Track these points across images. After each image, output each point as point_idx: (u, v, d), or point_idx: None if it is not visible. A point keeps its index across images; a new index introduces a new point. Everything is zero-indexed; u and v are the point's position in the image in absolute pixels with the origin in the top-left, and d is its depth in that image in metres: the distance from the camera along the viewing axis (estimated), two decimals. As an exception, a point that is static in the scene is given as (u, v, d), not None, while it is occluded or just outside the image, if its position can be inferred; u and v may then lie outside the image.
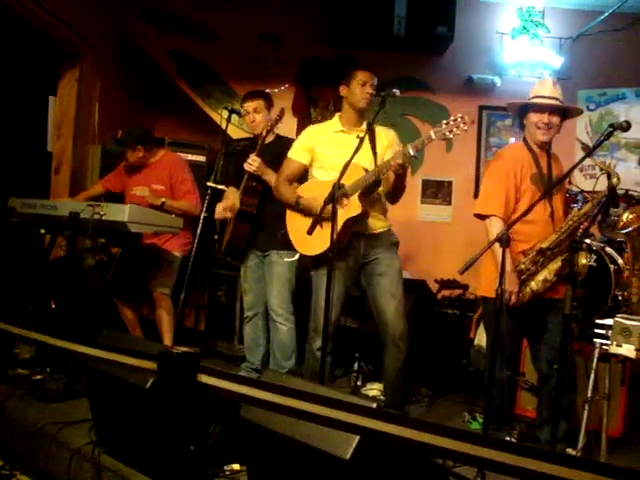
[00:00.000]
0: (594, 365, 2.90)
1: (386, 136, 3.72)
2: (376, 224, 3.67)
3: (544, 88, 3.47)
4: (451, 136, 3.26)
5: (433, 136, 3.25)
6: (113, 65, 5.77)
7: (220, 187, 4.14)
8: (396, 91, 3.53)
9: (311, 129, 3.85)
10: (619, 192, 4.40)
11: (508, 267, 3.10)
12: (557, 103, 3.40)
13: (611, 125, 3.04)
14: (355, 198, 3.48)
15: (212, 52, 5.96)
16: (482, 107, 6.06)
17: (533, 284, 3.21)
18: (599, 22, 5.71)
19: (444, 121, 3.26)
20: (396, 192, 3.63)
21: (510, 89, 5.98)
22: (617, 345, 2.69)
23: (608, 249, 4.28)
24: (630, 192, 4.49)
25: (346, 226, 3.51)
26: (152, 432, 2.35)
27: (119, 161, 4.86)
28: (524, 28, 5.84)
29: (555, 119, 3.39)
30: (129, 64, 6.00)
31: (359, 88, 3.66)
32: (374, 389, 4.45)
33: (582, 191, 4.30)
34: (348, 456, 2.05)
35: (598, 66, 5.78)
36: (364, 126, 3.64)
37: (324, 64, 5.99)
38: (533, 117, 3.41)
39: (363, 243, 3.65)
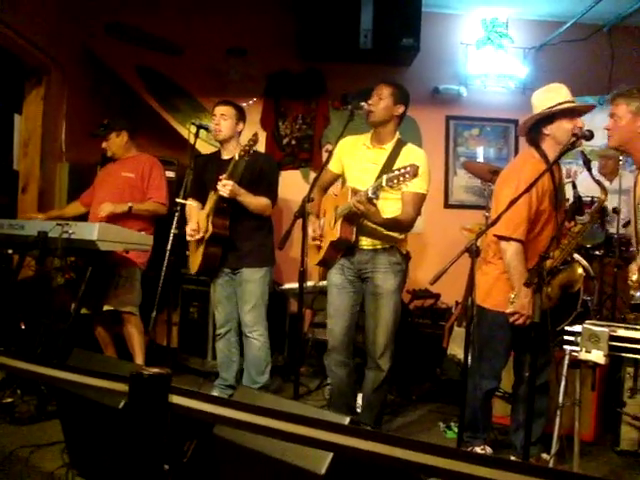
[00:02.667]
0: (564, 371, 2.93)
1: (409, 158, 3.48)
2: (373, 242, 3.60)
3: (563, 93, 3.34)
4: (401, 186, 3.17)
5: (384, 183, 3.17)
6: (80, 81, 5.73)
7: (189, 203, 4.12)
8: (364, 104, 3.56)
9: (345, 139, 3.72)
10: (585, 200, 4.48)
11: (524, 292, 3.10)
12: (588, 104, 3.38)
13: (575, 135, 3.08)
14: (338, 223, 3.50)
15: (179, 67, 5.96)
16: (449, 117, 6.14)
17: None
18: (561, 32, 5.84)
19: (397, 169, 3.16)
20: (386, 228, 3.54)
21: (476, 99, 6.09)
22: (586, 351, 2.71)
23: (576, 255, 4.34)
24: (596, 199, 4.55)
25: (330, 248, 3.58)
26: (125, 453, 2.33)
27: (88, 178, 4.82)
28: (488, 39, 5.96)
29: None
30: (96, 80, 5.97)
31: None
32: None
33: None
34: (323, 471, 2.06)
35: (562, 75, 5.78)
36: (390, 143, 3.62)
37: (293, 77, 6.03)
38: (567, 124, 3.26)
39: (357, 256, 3.63)
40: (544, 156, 3.28)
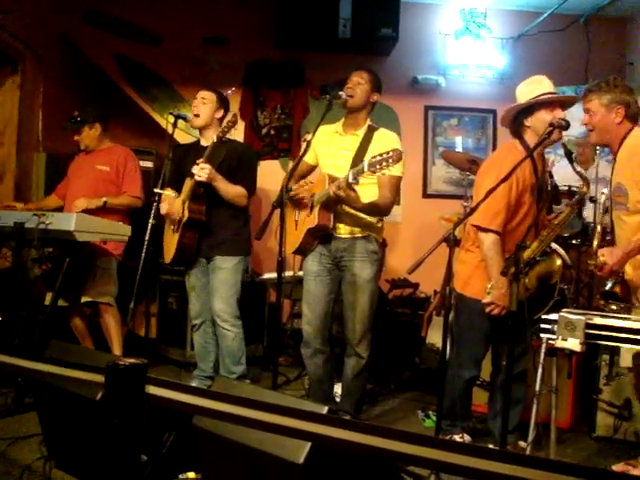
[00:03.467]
0: (541, 359, 2.96)
1: (383, 142, 3.51)
2: (350, 229, 3.62)
3: (545, 84, 3.36)
4: (383, 171, 3.16)
5: (365, 168, 3.17)
6: (57, 70, 5.66)
7: (168, 193, 4.09)
8: (342, 93, 3.56)
9: (320, 128, 3.64)
10: (562, 188, 4.52)
11: (502, 282, 3.16)
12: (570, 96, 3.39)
13: (551, 124, 3.10)
14: (315, 210, 3.50)
15: (157, 56, 5.91)
16: (428, 107, 6.16)
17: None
18: (539, 23, 5.86)
19: (379, 155, 3.15)
20: (365, 212, 3.56)
21: (454, 89, 6.11)
22: (563, 339, 2.74)
23: (553, 245, 4.37)
24: (573, 188, 4.60)
25: (308, 235, 3.58)
26: (103, 444, 2.32)
27: (65, 168, 4.76)
28: (467, 29, 5.97)
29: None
30: (74, 69, 5.89)
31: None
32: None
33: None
34: (301, 460, 2.07)
35: (539, 65, 5.84)
36: (362, 129, 3.64)
37: (272, 67, 6.00)
38: (546, 115, 3.26)
39: (334, 244, 3.64)
40: (527, 148, 3.28)
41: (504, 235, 3.29)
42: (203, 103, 4.07)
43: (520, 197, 3.30)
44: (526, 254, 3.17)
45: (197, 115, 4.08)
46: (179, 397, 1.46)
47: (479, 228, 3.30)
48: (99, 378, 1.52)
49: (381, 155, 3.14)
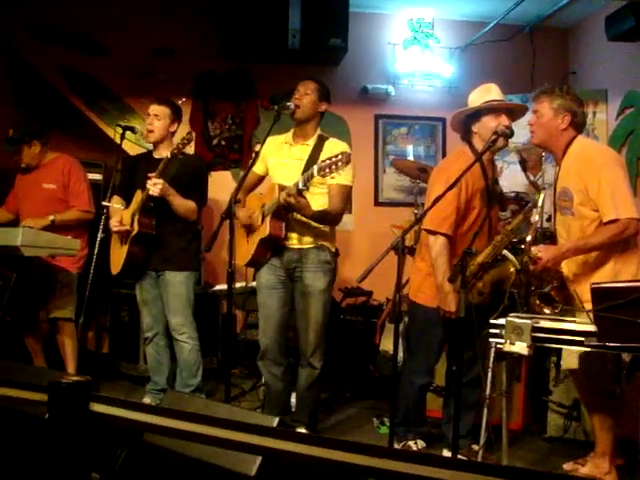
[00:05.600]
0: (490, 364, 3.01)
1: (333, 152, 3.39)
2: (302, 239, 3.62)
3: (493, 92, 3.42)
4: (333, 174, 3.19)
5: (315, 173, 3.20)
6: (1, 82, 5.54)
7: (116, 206, 4.04)
8: (289, 104, 3.58)
9: (269, 139, 3.64)
10: (509, 195, 4.60)
11: (447, 287, 3.19)
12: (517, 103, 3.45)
13: (495, 132, 3.16)
14: (267, 220, 3.49)
15: (104, 67, 5.82)
16: (378, 116, 6.20)
17: (470, 297, 3.16)
18: (485, 33, 5.97)
19: (327, 159, 3.20)
20: (316, 221, 3.56)
21: (404, 98, 6.17)
22: (510, 343, 2.79)
23: (504, 251, 4.44)
24: (520, 194, 4.68)
25: (260, 246, 3.57)
26: (52, 463, 2.27)
27: (12, 182, 4.65)
28: (415, 39, 6.04)
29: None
30: (18, 80, 5.77)
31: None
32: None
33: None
34: (253, 473, 2.05)
35: (486, 74, 5.94)
36: (312, 139, 3.64)
37: (220, 77, 5.97)
38: (491, 122, 3.33)
39: (286, 255, 3.64)
40: (476, 153, 3.35)
41: (455, 240, 3.34)
42: (157, 119, 4.04)
43: (469, 202, 3.35)
44: (479, 258, 3.23)
45: (151, 131, 4.05)
46: (124, 414, 1.44)
47: (429, 231, 3.36)
48: (42, 397, 1.49)
49: (330, 159, 3.17)
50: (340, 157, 3.13)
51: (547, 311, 3.03)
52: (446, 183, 3.02)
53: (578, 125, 3.25)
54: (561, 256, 3.12)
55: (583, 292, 3.04)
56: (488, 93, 3.44)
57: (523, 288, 4.22)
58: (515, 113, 3.48)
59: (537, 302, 3.09)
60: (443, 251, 3.30)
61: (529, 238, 3.14)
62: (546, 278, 3.26)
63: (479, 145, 3.37)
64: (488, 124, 3.35)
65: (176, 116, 4.12)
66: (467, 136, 3.48)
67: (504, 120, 3.34)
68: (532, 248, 3.11)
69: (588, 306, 2.79)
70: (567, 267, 3.25)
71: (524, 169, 3.31)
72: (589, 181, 3.08)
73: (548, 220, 4.70)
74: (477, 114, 3.41)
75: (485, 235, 3.39)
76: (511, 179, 4.04)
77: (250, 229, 3.69)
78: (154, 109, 4.05)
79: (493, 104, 3.39)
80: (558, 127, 3.21)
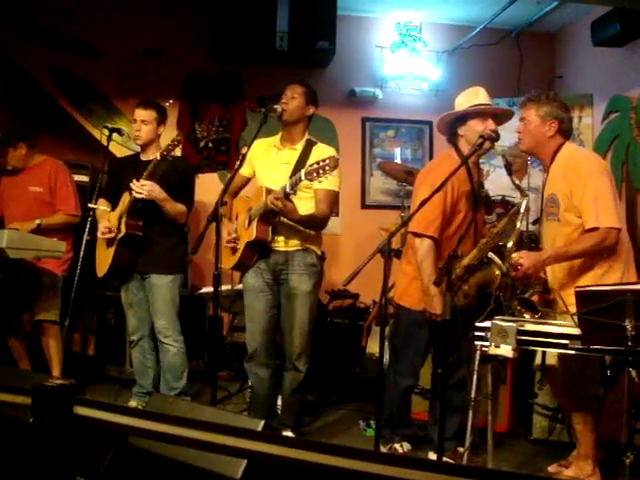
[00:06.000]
0: (476, 366, 3.02)
1: (321, 156, 3.40)
2: (288, 242, 3.63)
3: (480, 96, 3.44)
4: (320, 179, 3.21)
5: (302, 177, 3.23)
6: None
7: (102, 208, 4.02)
8: (277, 106, 3.58)
9: (255, 142, 3.64)
10: (495, 198, 4.62)
11: (433, 289, 3.18)
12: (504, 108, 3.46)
13: (481, 136, 3.17)
14: (254, 223, 3.49)
15: (93, 69, 5.79)
16: (365, 119, 6.21)
17: (456, 299, 3.16)
18: (472, 37, 6.00)
19: (315, 163, 3.22)
20: (302, 225, 3.57)
21: (391, 101, 6.19)
22: (495, 346, 2.80)
23: (490, 253, 4.46)
24: (507, 198, 4.70)
25: (247, 249, 3.57)
26: (36, 467, 2.26)
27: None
28: (402, 42, 6.06)
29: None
30: (6, 80, 5.73)
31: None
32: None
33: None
34: (239, 476, 2.05)
35: (473, 78, 5.98)
36: (300, 143, 3.64)
37: (209, 80, 5.97)
38: (478, 126, 3.35)
39: (273, 257, 3.65)
40: (462, 156, 3.36)
41: (441, 243, 3.35)
42: (145, 124, 4.02)
43: (455, 205, 3.37)
44: (465, 261, 3.24)
45: (139, 137, 4.04)
46: (109, 417, 1.44)
47: (415, 234, 3.37)
48: (26, 400, 1.49)
49: (318, 163, 3.18)
50: (328, 162, 3.14)
51: (527, 316, 3.05)
52: (432, 186, 3.03)
53: (565, 131, 3.27)
54: (542, 263, 3.14)
55: (567, 296, 3.05)
56: (475, 97, 3.46)
57: (508, 291, 4.25)
58: (501, 117, 3.50)
59: (518, 307, 3.11)
60: (429, 254, 3.31)
61: (510, 244, 3.16)
62: (529, 283, 3.28)
63: (465, 148, 3.39)
64: (475, 128, 3.36)
65: (162, 119, 4.12)
66: (453, 139, 3.50)
67: (490, 124, 3.36)
68: (513, 254, 3.13)
69: (572, 310, 2.81)
70: (552, 272, 3.26)
71: (509, 173, 3.33)
72: (574, 187, 3.10)
73: (534, 223, 4.74)
74: (464, 117, 3.43)
75: (471, 238, 3.40)
76: (498, 182, 4.05)
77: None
78: (140, 114, 4.04)
79: (480, 108, 3.41)
80: (545, 134, 3.22)
